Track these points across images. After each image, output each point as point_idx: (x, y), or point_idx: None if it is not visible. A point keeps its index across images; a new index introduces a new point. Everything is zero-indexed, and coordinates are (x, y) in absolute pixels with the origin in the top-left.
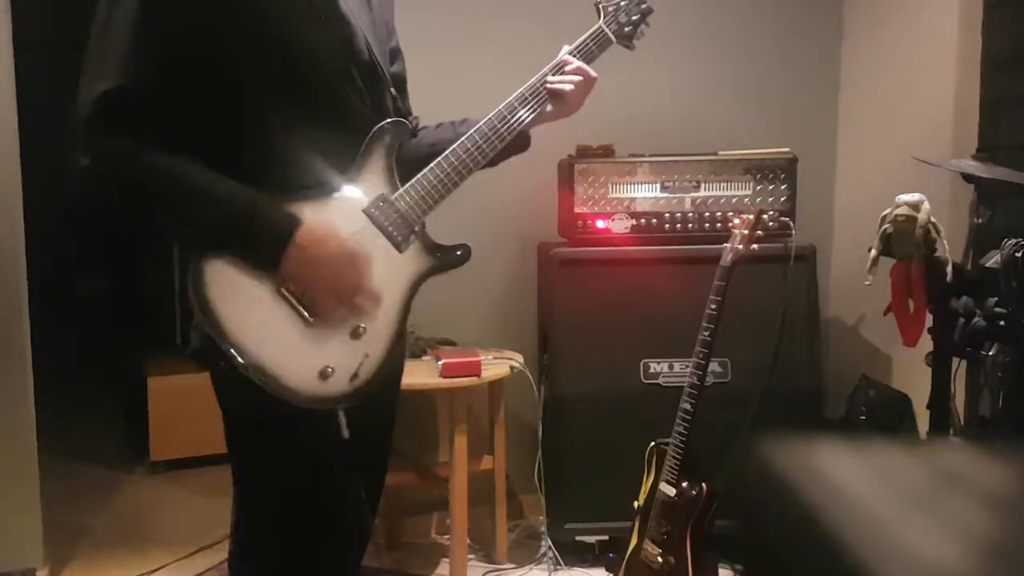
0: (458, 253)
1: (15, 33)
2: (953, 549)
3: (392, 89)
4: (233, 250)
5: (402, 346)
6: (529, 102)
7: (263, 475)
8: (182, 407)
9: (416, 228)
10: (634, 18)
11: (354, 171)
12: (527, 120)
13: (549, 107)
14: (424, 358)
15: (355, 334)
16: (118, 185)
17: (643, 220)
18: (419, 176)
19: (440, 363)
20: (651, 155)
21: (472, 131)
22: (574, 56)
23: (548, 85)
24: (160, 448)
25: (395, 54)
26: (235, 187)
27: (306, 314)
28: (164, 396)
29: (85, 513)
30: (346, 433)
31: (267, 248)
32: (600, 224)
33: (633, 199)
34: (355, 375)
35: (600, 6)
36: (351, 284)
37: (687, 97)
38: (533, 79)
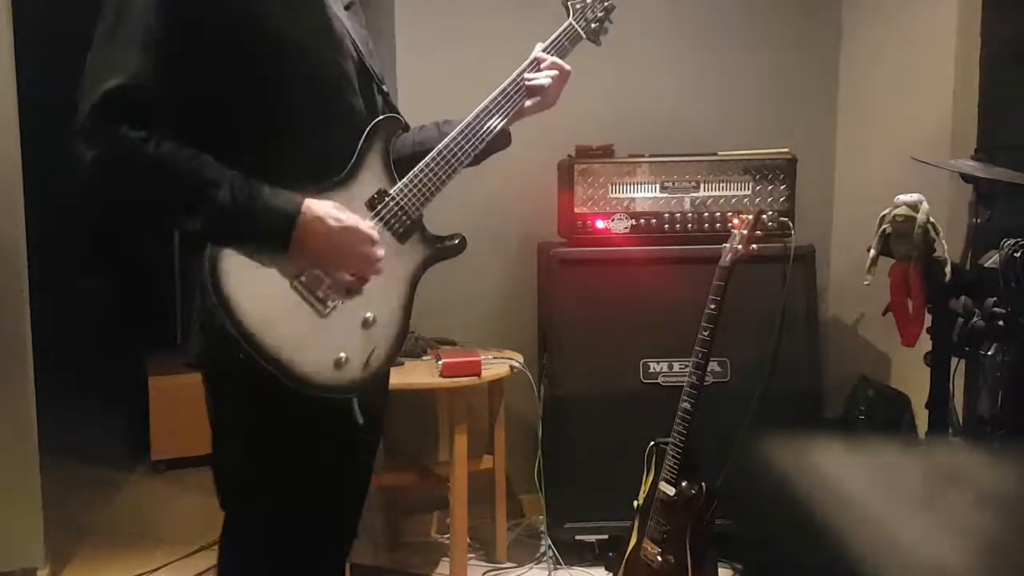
0: (455, 242)
1: (15, 33)
2: (952, 548)
3: (383, 87)
4: (239, 238)
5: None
6: (508, 99)
7: (285, 468)
8: (183, 407)
9: (415, 219)
10: (599, 14)
11: (353, 166)
12: (507, 117)
13: (528, 102)
14: (424, 358)
15: (365, 324)
16: (125, 176)
17: (643, 220)
18: (416, 170)
19: (440, 363)
20: (651, 155)
21: (456, 129)
22: (548, 52)
23: (527, 82)
24: (161, 447)
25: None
26: (238, 174)
27: (319, 306)
28: (165, 395)
29: (86, 513)
30: (360, 419)
31: (273, 228)
32: (600, 224)
33: (633, 199)
34: (367, 363)
35: (568, 4)
36: (361, 255)
37: (687, 97)
38: (511, 76)
